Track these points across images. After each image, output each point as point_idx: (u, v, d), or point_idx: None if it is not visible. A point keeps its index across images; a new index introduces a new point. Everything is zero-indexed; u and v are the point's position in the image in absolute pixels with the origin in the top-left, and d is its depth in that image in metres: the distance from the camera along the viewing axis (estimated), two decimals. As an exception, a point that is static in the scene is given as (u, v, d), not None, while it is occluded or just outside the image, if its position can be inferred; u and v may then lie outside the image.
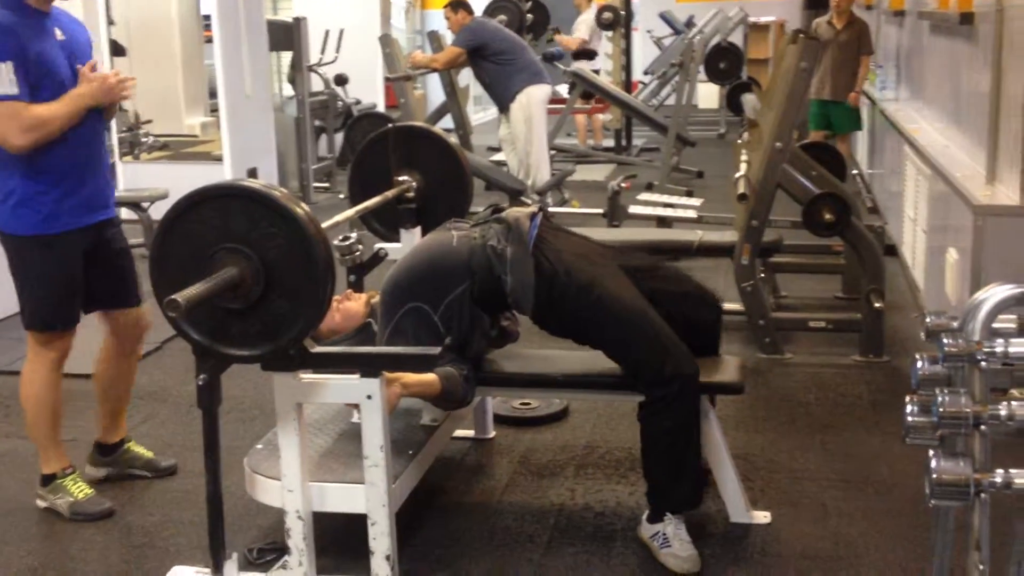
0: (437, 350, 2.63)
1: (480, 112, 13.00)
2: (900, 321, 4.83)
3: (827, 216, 4.34)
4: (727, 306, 4.99)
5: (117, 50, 7.85)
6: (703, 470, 3.01)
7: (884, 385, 4.15)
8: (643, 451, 2.92)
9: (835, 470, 3.43)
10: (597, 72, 10.02)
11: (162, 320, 2.67)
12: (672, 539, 2.84)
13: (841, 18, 7.41)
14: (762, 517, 3.07)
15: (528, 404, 3.90)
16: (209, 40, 7.48)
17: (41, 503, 3.27)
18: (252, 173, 6.76)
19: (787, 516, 3.11)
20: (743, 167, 4.63)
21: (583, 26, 10.81)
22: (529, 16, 9.79)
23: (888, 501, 3.20)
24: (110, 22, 7.52)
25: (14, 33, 2.93)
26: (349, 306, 3.12)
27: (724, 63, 10.59)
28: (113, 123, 7.65)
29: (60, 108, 2.99)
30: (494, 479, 3.42)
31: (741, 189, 4.41)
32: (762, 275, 4.80)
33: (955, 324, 1.79)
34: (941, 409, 1.69)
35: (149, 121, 8.48)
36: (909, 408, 1.80)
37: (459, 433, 3.58)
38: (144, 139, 8.17)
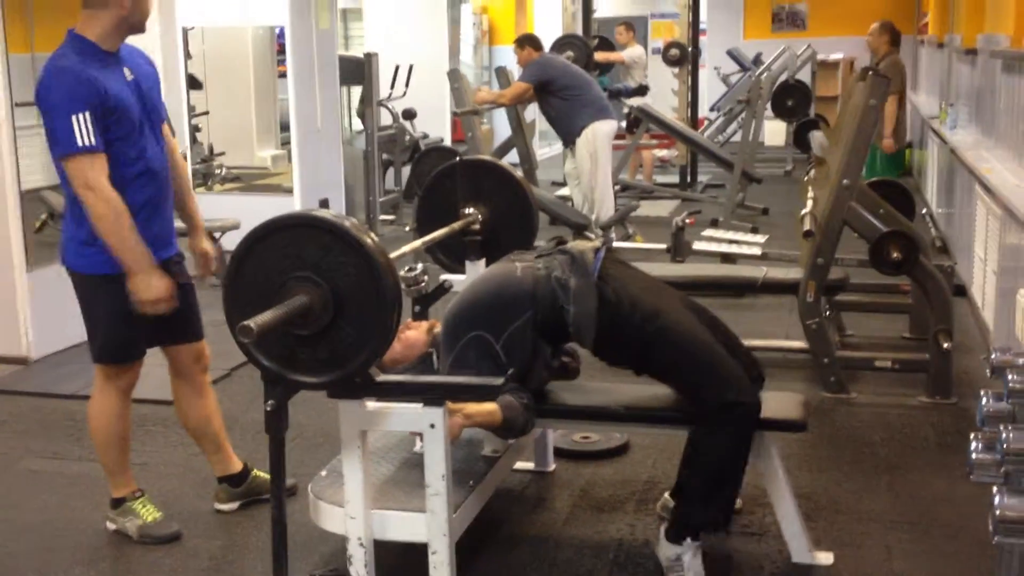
0: (500, 380, 2.66)
1: (545, 147, 13.08)
2: (969, 362, 4.74)
3: (894, 254, 4.30)
4: (792, 344, 4.99)
5: (193, 83, 8.06)
6: (736, 504, 3.00)
7: (951, 427, 4.08)
8: (684, 466, 2.92)
9: (900, 512, 3.38)
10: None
11: (230, 348, 2.73)
12: (687, 570, 2.85)
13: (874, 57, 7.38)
14: (824, 558, 3.04)
15: (588, 438, 3.90)
16: (282, 75, 7.65)
17: (111, 525, 3.35)
18: (324, 204, 6.87)
19: (850, 557, 3.07)
20: (809, 204, 4.61)
21: (627, 56, 10.96)
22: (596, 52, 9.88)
23: (954, 544, 3.14)
24: (187, 56, 7.72)
25: (91, 81, 2.97)
26: (410, 335, 3.15)
27: (792, 100, 10.56)
28: (188, 155, 7.87)
29: (127, 240, 3.00)
30: (554, 512, 3.42)
31: (807, 226, 4.38)
32: (828, 313, 4.75)
33: (1021, 361, 1.77)
34: (1005, 446, 1.68)
35: (222, 153, 8.68)
36: (974, 445, 1.78)
37: (520, 465, 3.60)
38: (217, 171, 8.38)
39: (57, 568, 3.14)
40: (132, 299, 3.06)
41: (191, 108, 8.00)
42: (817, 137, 6.25)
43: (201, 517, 3.44)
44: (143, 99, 3.14)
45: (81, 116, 2.93)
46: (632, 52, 10.93)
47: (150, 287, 3.05)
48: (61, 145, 2.96)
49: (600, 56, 10.24)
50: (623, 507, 3.43)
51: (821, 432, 4.04)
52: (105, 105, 2.99)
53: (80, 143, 2.94)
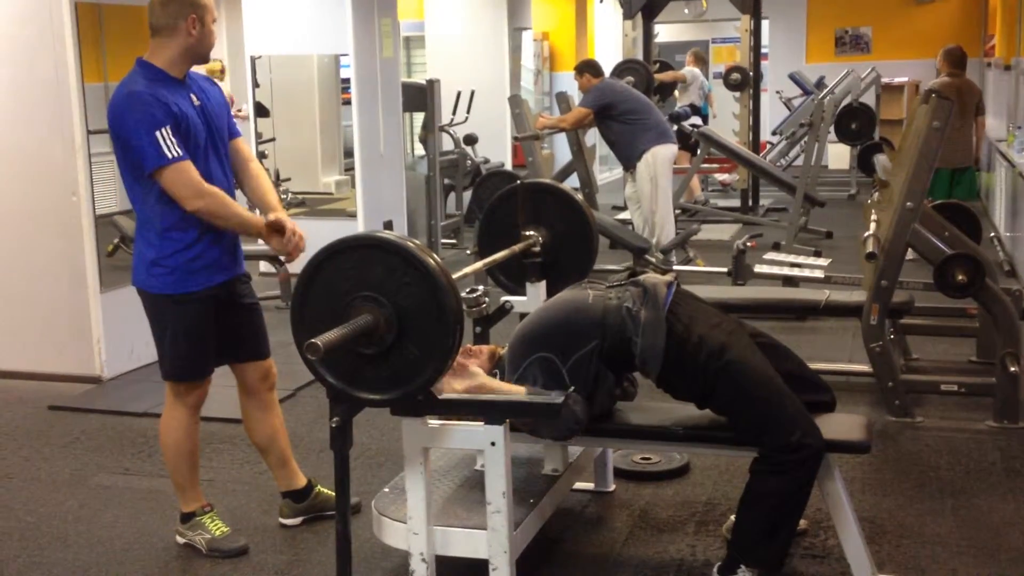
0: (561, 398, 2.69)
1: (606, 172, 13.11)
2: (1038, 387, 4.66)
3: (960, 277, 4.25)
4: (855, 367, 4.95)
5: (261, 111, 8.24)
6: (796, 535, 2.98)
7: (1019, 451, 4.01)
8: (744, 501, 2.90)
9: (966, 536, 3.33)
10: (697, 127, 10.12)
11: (296, 368, 2.80)
12: None
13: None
14: (888, 582, 3.01)
15: (648, 459, 3.91)
16: (346, 102, 7.78)
17: (180, 539, 3.43)
18: (388, 225, 6.97)
19: (915, 581, 3.04)
20: (872, 226, 4.58)
21: (685, 73, 11.06)
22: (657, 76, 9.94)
23: (1021, 569, 3.10)
24: (255, 85, 7.90)
25: (160, 100, 3.09)
26: (470, 364, 3.13)
27: (855, 123, 10.46)
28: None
29: (243, 217, 3.21)
30: (613, 532, 3.43)
31: (870, 248, 4.35)
32: (892, 337, 4.70)
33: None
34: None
35: (288, 179, 8.86)
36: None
37: (579, 485, 3.61)
38: (283, 196, 8.54)
39: (128, 580, 3.22)
40: (280, 254, 3.36)
41: (258, 135, 8.18)
42: (881, 160, 6.21)
43: (267, 532, 3.51)
44: (209, 124, 3.25)
45: (164, 130, 3.06)
46: (690, 70, 11.03)
47: (277, 239, 3.25)
48: (151, 160, 3.06)
49: (660, 75, 10.30)
50: (683, 528, 3.43)
51: (886, 456, 4.00)
52: (176, 123, 3.10)
53: (170, 155, 3.06)
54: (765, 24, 12.32)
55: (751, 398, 2.86)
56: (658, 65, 10.78)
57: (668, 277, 3.09)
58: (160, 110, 3.07)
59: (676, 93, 11.19)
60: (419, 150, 9.53)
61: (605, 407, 3.07)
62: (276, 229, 3.26)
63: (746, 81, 10.52)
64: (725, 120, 12.23)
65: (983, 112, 8.18)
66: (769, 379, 2.88)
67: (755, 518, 2.87)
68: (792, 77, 12.15)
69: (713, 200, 10.92)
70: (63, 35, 5.03)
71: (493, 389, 2.83)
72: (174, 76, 3.19)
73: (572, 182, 8.70)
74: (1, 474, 4.12)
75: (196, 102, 3.23)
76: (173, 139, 3.07)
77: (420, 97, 8.32)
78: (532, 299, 3.59)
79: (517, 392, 2.84)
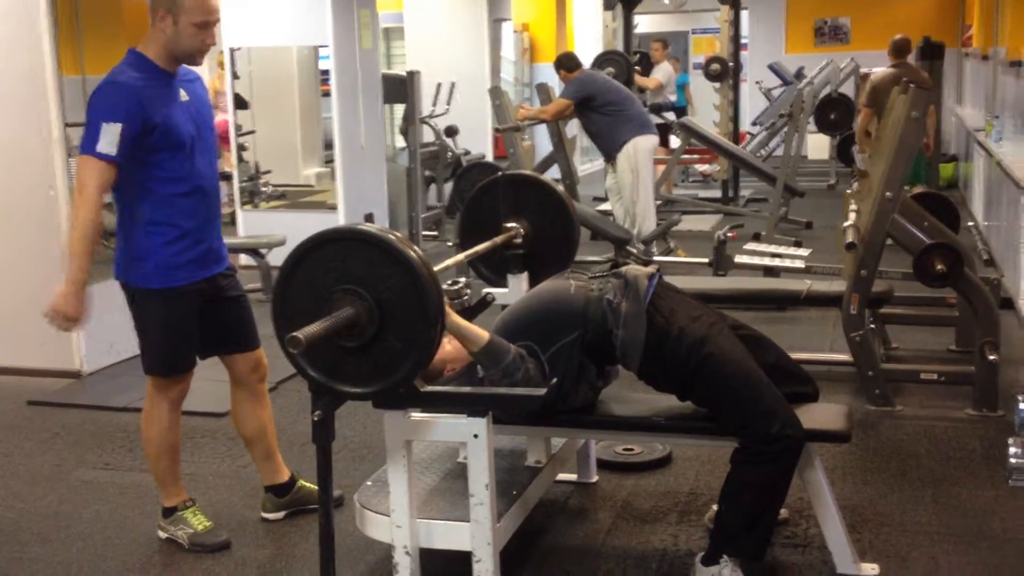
0: (543, 391, 2.69)
1: (587, 163, 13.12)
2: (1016, 375, 4.70)
3: (939, 267, 4.27)
4: (836, 356, 4.97)
5: (240, 103, 8.19)
6: (777, 524, 3.00)
7: (998, 439, 4.02)
8: (724, 492, 2.92)
9: (946, 524, 3.35)
10: (669, 124, 10.20)
11: (277, 361, 2.78)
12: None
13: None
14: (870, 569, 3.02)
15: (631, 450, 3.91)
16: (326, 94, 7.75)
17: (162, 534, 3.41)
18: (369, 218, 6.95)
19: (896, 569, 3.06)
20: (852, 216, 4.60)
21: (660, 75, 11.20)
22: (636, 68, 9.94)
23: (1000, 556, 3.12)
24: (235, 76, 7.86)
25: (136, 96, 3.05)
26: (450, 349, 3.15)
27: (835, 114, 10.53)
28: (235, 173, 8.00)
29: (75, 247, 3.07)
30: (596, 523, 3.44)
31: (849, 238, 4.37)
32: (872, 326, 4.73)
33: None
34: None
35: (268, 172, 8.81)
36: (1013, 450, 1.78)
37: (562, 477, 3.62)
38: (263, 188, 8.50)
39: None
40: (47, 306, 3.09)
41: (238, 127, 8.13)
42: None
43: (249, 527, 3.50)
44: (196, 121, 3.22)
45: (112, 126, 3.01)
46: (664, 70, 11.08)
47: (69, 302, 3.08)
48: (85, 144, 3.04)
49: (638, 81, 10.35)
50: (666, 518, 3.44)
51: (866, 445, 4.02)
52: (148, 122, 3.06)
53: (99, 148, 3.02)
54: (745, 15, 12.33)
55: (731, 390, 2.87)
56: (638, 56, 10.79)
57: (650, 269, 3.09)
58: (126, 108, 3.03)
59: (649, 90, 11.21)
60: (400, 142, 9.51)
61: (588, 399, 3.08)
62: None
63: (726, 72, 10.55)
64: (705, 111, 12.25)
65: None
66: (749, 371, 2.89)
67: (736, 508, 2.89)
68: (772, 68, 12.18)
69: (694, 191, 10.94)
70: (39, 27, 4.98)
71: (459, 325, 2.81)
72: (164, 68, 3.15)
73: (553, 173, 8.70)
74: (-20, 470, 4.10)
75: (185, 97, 3.20)
76: (118, 139, 3.01)
77: (400, 89, 8.29)
78: (514, 291, 3.59)
79: (480, 334, 2.82)
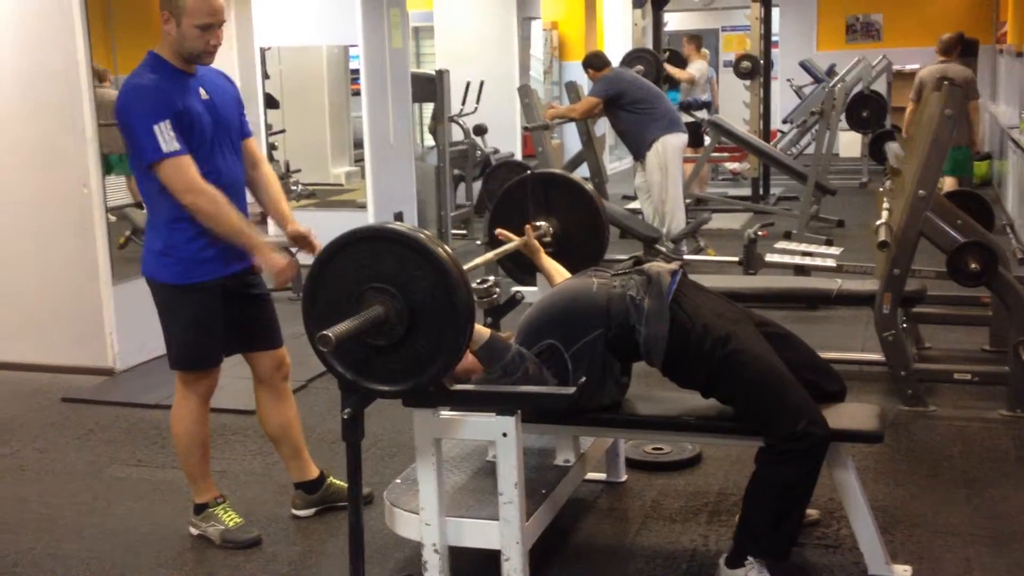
0: (572, 389, 2.69)
1: (616, 161, 13.09)
2: (1052, 375, 4.63)
3: (972, 265, 4.23)
4: (868, 356, 4.93)
5: (271, 103, 8.25)
6: (802, 525, 2.98)
7: (1033, 440, 4.00)
8: (750, 491, 2.90)
9: (980, 525, 3.32)
10: (700, 123, 10.11)
11: (307, 358, 2.79)
12: None
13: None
14: (902, 571, 3.00)
15: (660, 449, 3.90)
16: (356, 93, 7.78)
17: (194, 530, 3.44)
18: (399, 217, 6.97)
19: (928, 571, 3.03)
20: (884, 215, 4.56)
21: (693, 70, 11.08)
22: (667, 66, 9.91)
23: (1036, 559, 3.09)
24: (265, 76, 7.91)
25: (165, 93, 3.10)
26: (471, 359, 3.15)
27: (867, 111, 10.43)
28: (265, 172, 8.03)
29: (235, 225, 3.15)
30: (626, 522, 3.43)
31: (882, 236, 4.34)
32: (904, 325, 4.69)
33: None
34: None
35: (298, 170, 8.86)
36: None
37: (591, 476, 3.61)
38: (293, 187, 8.55)
39: (141, 571, 3.24)
40: (272, 283, 3.26)
41: (268, 126, 8.18)
42: (893, 148, 6.20)
43: (280, 523, 3.52)
44: (217, 118, 3.23)
45: (162, 124, 3.05)
46: (697, 67, 10.99)
47: (270, 262, 3.19)
48: (148, 153, 3.07)
49: (670, 71, 10.28)
50: (695, 518, 3.43)
51: (898, 445, 3.99)
52: (179, 118, 3.09)
53: (165, 149, 3.05)
54: (775, 12, 12.27)
55: (755, 387, 2.85)
56: (667, 54, 10.74)
57: (672, 265, 3.08)
58: (161, 104, 3.07)
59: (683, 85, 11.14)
60: (429, 141, 9.53)
61: (614, 396, 3.07)
62: (297, 240, 3.31)
63: (756, 69, 10.48)
64: (736, 108, 12.19)
65: (974, 97, 8.26)
66: (773, 367, 2.87)
67: (761, 508, 2.87)
68: (803, 65, 12.11)
69: (724, 189, 10.88)
70: (73, 27, 5.04)
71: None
72: (181, 69, 3.18)
73: (582, 171, 8.68)
74: (15, 466, 4.14)
75: (204, 96, 3.22)
76: (172, 133, 3.06)
77: (429, 87, 8.31)
78: (543, 289, 3.59)
79: (481, 332, 2.79)
